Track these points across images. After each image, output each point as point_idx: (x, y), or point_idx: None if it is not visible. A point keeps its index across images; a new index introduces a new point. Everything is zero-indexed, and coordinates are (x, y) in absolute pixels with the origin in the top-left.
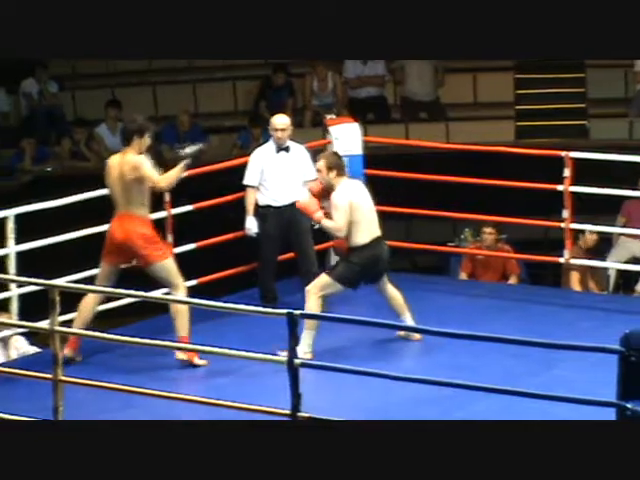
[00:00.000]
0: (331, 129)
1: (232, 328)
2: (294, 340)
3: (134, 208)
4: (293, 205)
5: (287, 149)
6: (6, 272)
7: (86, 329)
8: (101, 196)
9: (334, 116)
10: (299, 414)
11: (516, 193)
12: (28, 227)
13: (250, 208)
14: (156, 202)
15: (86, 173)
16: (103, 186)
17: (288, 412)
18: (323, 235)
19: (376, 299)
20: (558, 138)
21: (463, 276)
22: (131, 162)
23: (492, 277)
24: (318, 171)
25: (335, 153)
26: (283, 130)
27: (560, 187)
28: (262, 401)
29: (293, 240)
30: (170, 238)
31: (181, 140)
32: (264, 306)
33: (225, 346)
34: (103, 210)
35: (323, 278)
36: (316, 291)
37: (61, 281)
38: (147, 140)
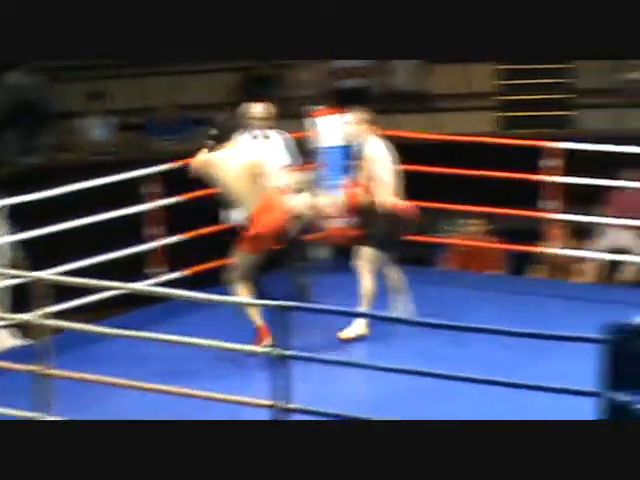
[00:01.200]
0: (316, 120)
1: (222, 320)
2: (284, 331)
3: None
4: None
5: (265, 136)
6: None
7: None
8: (85, 188)
9: (319, 107)
10: (288, 406)
11: (501, 184)
12: (12, 219)
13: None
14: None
15: (70, 165)
16: (86, 178)
17: (275, 404)
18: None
19: (352, 289)
20: (545, 128)
21: (450, 267)
22: (249, 160)
23: (478, 268)
24: (349, 124)
25: (367, 112)
26: (260, 119)
27: (545, 178)
28: (249, 393)
29: None
30: (155, 230)
31: (166, 131)
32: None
33: (214, 337)
34: (86, 202)
35: (366, 251)
36: (364, 264)
37: (48, 273)
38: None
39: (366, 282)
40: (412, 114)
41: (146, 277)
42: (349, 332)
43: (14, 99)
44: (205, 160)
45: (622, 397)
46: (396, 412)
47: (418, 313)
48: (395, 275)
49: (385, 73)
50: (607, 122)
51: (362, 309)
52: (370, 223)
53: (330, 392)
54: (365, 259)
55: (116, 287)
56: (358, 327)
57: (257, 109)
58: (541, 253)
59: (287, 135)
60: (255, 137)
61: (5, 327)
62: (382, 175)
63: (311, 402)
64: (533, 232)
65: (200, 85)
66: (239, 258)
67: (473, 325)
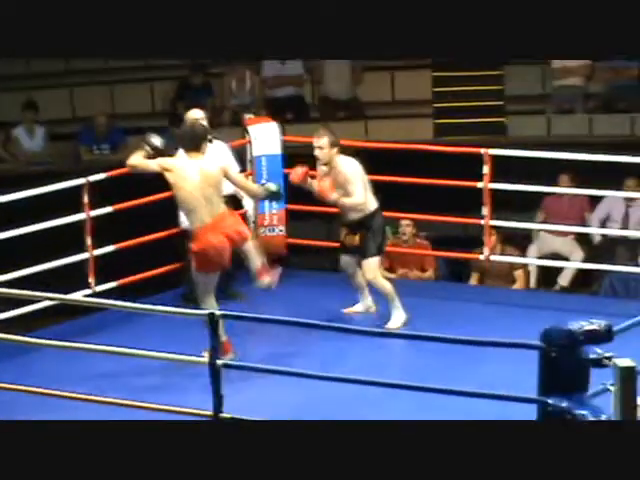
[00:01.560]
0: (250, 129)
1: (156, 329)
2: (216, 341)
3: (220, 208)
4: None
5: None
6: None
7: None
8: (20, 199)
9: (252, 116)
10: (221, 415)
11: (436, 191)
12: None
13: None
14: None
15: (2, 175)
16: (21, 188)
17: (210, 413)
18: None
19: (287, 298)
20: (477, 135)
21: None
22: (219, 165)
23: (410, 271)
24: (320, 148)
25: (332, 131)
26: None
27: (479, 184)
28: (187, 402)
29: None
30: (89, 240)
31: (99, 141)
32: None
33: (148, 348)
34: (21, 213)
35: (367, 263)
36: (375, 275)
37: None
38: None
39: (384, 287)
40: (346, 122)
41: (86, 287)
42: (394, 323)
43: None
44: (141, 162)
45: (559, 403)
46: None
47: (352, 321)
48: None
49: (317, 81)
50: (538, 129)
51: (395, 305)
52: (363, 236)
53: (270, 400)
54: (370, 271)
55: (46, 297)
56: (399, 316)
57: (197, 114)
58: (476, 260)
59: (227, 143)
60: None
61: None
62: (357, 193)
63: (248, 411)
64: (468, 239)
65: (133, 95)
66: (194, 278)
67: (409, 332)
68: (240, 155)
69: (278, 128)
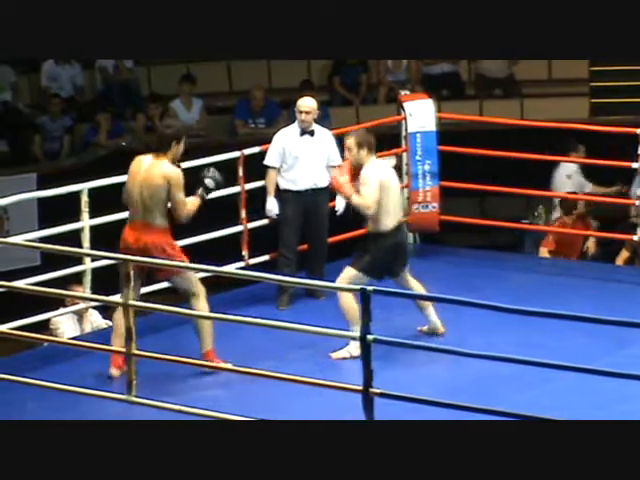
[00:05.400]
0: (405, 105)
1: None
2: (367, 316)
3: (155, 217)
4: (314, 190)
5: (312, 133)
6: (80, 246)
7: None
8: None
9: (408, 92)
10: (371, 390)
11: (591, 170)
12: (102, 201)
13: (271, 189)
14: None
15: None
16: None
17: (360, 388)
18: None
19: (439, 274)
20: (633, 115)
21: (544, 252)
22: (168, 172)
23: (572, 254)
24: (347, 149)
25: (367, 131)
26: (308, 113)
27: (635, 164)
28: (335, 376)
29: (310, 225)
30: (244, 213)
31: (255, 115)
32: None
33: (297, 322)
34: None
35: (349, 271)
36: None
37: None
38: (182, 147)
39: (349, 305)
40: (501, 100)
41: (240, 259)
42: (342, 352)
43: (105, 81)
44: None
45: None
46: (480, 398)
47: (504, 300)
48: (414, 286)
49: (473, 59)
50: None
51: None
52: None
53: (421, 377)
54: (343, 279)
55: (200, 269)
56: (353, 348)
57: (305, 102)
58: (630, 240)
59: (330, 131)
60: (302, 133)
61: (95, 308)
62: (367, 195)
63: (402, 387)
64: (624, 219)
65: (289, 69)
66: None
67: (560, 312)
68: (394, 132)
69: (433, 105)
